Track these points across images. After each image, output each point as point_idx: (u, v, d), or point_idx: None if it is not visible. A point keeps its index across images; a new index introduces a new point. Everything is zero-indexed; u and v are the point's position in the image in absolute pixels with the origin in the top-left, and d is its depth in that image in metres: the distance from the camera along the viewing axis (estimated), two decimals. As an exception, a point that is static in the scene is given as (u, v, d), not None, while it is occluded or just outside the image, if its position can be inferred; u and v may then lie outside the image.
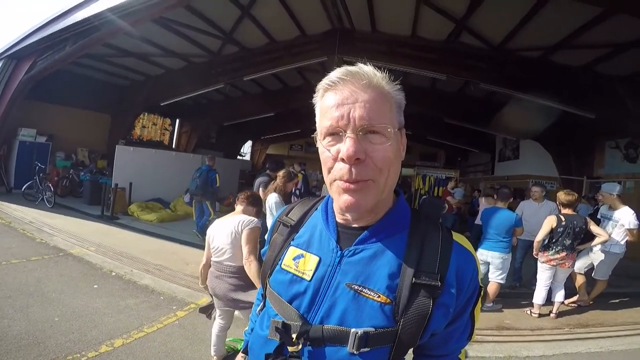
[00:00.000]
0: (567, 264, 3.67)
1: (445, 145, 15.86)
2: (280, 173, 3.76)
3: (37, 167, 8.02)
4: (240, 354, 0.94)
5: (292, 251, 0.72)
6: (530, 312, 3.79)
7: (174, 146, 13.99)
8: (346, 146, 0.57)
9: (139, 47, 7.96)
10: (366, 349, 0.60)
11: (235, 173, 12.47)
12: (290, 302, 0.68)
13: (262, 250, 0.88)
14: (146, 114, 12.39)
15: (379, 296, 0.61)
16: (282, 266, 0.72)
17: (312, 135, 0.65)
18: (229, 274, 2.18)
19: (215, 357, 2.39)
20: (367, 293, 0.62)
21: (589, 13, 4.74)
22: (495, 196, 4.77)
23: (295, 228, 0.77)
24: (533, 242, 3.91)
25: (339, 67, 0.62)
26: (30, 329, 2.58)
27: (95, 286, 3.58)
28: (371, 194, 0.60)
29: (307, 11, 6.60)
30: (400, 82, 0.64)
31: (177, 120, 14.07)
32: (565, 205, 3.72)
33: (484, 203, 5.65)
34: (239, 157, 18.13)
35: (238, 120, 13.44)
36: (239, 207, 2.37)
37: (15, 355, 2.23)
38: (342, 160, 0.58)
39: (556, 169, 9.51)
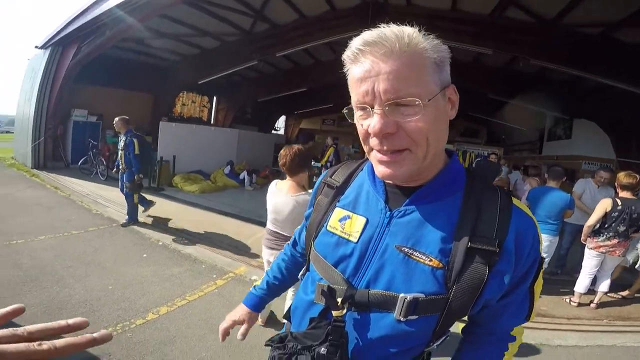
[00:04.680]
0: (617, 252, 3.32)
1: (488, 121, 14.76)
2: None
3: (90, 144, 8.92)
4: (284, 321, 0.91)
5: (338, 212, 0.69)
6: (570, 300, 3.59)
7: (212, 122, 14.57)
8: (373, 122, 0.54)
9: (173, 29, 8.21)
10: (414, 317, 0.57)
11: (271, 147, 12.86)
12: (336, 265, 0.65)
13: (306, 213, 0.84)
14: (185, 92, 12.92)
15: (431, 260, 0.57)
16: (328, 228, 0.69)
17: (343, 111, 0.62)
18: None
19: (260, 320, 2.50)
20: (417, 256, 0.58)
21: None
22: (546, 175, 4.24)
23: (340, 189, 0.73)
24: (582, 226, 3.56)
25: None
26: (87, 297, 2.75)
27: (144, 255, 3.80)
28: (407, 164, 0.56)
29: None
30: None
31: (215, 98, 14.53)
32: (624, 188, 3.33)
33: (532, 184, 4.69)
34: (273, 131, 18.45)
35: (271, 96, 13.52)
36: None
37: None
38: (373, 134, 0.56)
39: (614, 150, 8.59)
